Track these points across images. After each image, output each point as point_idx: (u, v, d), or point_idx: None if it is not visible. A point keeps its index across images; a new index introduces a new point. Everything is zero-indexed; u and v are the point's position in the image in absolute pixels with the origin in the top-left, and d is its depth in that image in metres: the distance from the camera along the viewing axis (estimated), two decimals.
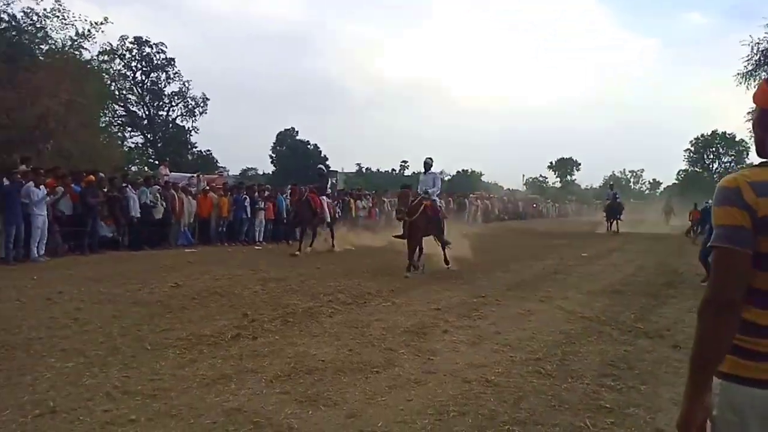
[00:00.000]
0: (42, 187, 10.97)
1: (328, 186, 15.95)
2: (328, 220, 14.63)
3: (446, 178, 64.75)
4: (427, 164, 11.43)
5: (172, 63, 39.65)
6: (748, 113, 20.15)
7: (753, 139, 1.60)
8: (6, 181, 10.61)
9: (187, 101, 40.65)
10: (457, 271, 10.54)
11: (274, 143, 51.23)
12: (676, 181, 65.62)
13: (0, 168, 15.36)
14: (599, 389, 4.19)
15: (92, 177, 12.55)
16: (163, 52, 39.14)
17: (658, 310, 7.36)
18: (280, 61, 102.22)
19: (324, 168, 16.48)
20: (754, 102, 1.58)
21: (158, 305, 6.83)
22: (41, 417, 3.40)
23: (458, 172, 66.06)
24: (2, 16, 22.28)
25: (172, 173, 19.90)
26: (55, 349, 4.83)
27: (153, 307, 6.68)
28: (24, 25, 22.56)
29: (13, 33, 22.27)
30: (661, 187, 78.70)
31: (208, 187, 16.82)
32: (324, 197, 14.73)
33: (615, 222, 23.71)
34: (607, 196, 25.21)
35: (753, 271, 1.43)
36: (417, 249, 10.50)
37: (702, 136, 62.35)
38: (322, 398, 3.86)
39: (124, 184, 13.62)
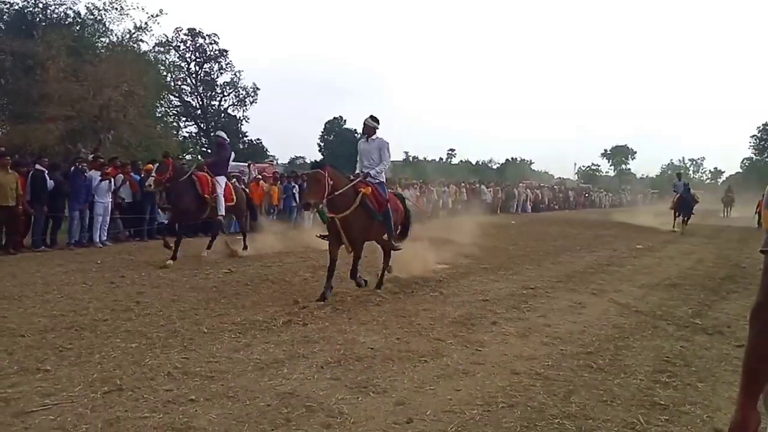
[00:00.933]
0: (104, 175, 11.55)
1: (230, 161, 10.91)
2: (222, 212, 9.98)
3: (494, 167, 64.00)
4: (369, 126, 7.32)
5: (225, 54, 40.65)
6: None
7: None
8: (72, 170, 11.21)
9: (239, 91, 41.68)
10: (505, 262, 10.37)
11: (322, 132, 51.86)
12: (740, 170, 62.53)
13: (66, 157, 16.28)
14: (653, 385, 4.09)
15: (150, 166, 13.06)
16: (216, 43, 40.18)
17: (717, 305, 7.08)
18: (328, 50, 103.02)
19: (224, 135, 10.72)
20: None
21: (213, 290, 7.09)
22: (109, 393, 3.62)
23: (507, 160, 65.04)
24: (68, 12, 23.45)
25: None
26: (120, 330, 5.11)
27: (208, 293, 6.95)
28: (87, 20, 23.63)
29: (77, 28, 23.35)
30: (723, 177, 75.17)
31: (259, 176, 17.25)
32: (221, 178, 10.13)
33: (686, 218, 19.18)
34: (675, 188, 20.21)
35: None
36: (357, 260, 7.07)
37: None
38: (372, 385, 3.93)
39: None
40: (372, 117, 7.41)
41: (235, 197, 10.46)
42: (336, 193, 6.62)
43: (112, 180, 11.85)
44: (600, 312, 6.49)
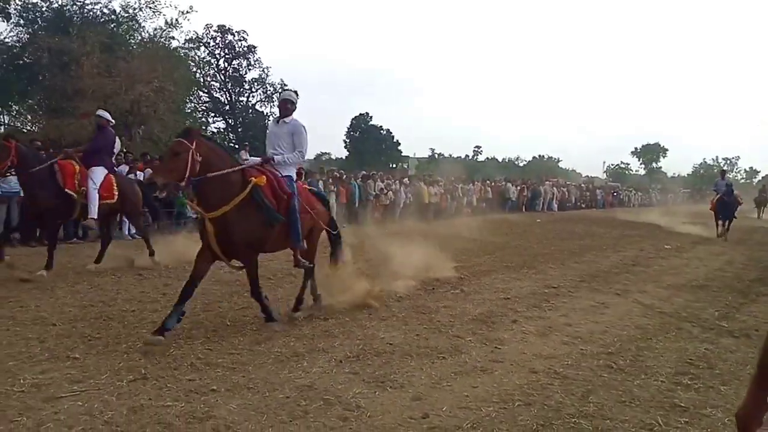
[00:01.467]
0: (132, 170, 11.85)
1: (116, 147, 8.43)
2: (93, 214, 7.54)
3: (521, 164, 63.34)
4: (289, 102, 5.75)
5: (253, 50, 41.04)
6: None
7: None
8: None
9: (266, 87, 42.03)
10: (528, 261, 10.28)
11: (348, 128, 52.00)
12: None
13: None
14: (674, 387, 4.04)
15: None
16: (245, 39, 40.59)
17: (746, 307, 6.92)
18: (354, 46, 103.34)
19: (108, 116, 8.23)
20: None
21: (237, 284, 7.19)
22: (134, 382, 3.75)
23: (534, 157, 64.37)
24: (104, 11, 24.03)
25: (251, 158, 20.77)
26: (146, 321, 5.25)
27: (232, 286, 7.07)
28: (121, 18, 24.17)
29: (112, 26, 23.89)
30: (759, 176, 73.01)
31: None
32: (99, 169, 7.71)
33: (728, 223, 16.51)
34: (717, 187, 17.47)
35: None
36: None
37: None
38: (389, 380, 3.98)
39: None
40: (288, 90, 5.30)
41: (116, 193, 8.01)
42: (208, 175, 4.73)
43: (141, 174, 12.12)
44: (623, 312, 6.41)
